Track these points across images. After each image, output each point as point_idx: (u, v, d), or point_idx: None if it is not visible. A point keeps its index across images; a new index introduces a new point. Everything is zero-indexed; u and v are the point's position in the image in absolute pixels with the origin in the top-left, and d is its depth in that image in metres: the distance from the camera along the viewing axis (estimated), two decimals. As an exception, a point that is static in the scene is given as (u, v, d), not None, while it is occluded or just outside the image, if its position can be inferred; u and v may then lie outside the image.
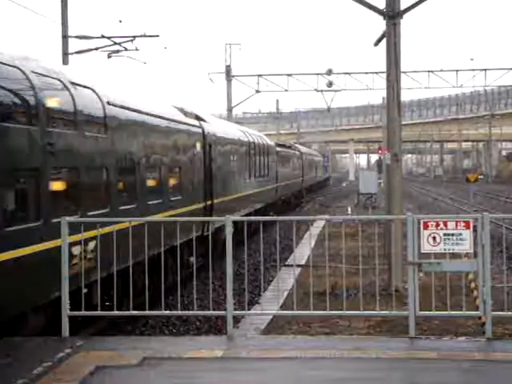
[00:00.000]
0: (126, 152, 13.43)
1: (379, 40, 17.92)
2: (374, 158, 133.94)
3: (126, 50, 26.46)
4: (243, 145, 27.68)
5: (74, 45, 25.53)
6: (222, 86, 71.80)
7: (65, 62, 23.88)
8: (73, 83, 11.58)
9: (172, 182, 16.67)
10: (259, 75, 48.64)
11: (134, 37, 26.38)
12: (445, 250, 9.39)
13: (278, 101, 77.82)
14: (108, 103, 12.72)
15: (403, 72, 32.15)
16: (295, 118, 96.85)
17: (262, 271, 12.02)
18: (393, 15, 15.61)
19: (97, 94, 12.47)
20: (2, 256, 8.95)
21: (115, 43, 26.29)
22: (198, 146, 19.38)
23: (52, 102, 10.62)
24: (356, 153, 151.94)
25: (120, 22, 27.91)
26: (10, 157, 9.33)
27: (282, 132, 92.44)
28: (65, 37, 24.06)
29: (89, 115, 11.97)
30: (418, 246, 9.35)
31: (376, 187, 45.67)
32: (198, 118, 20.41)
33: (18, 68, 9.92)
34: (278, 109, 78.11)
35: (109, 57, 26.59)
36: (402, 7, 15.73)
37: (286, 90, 49.63)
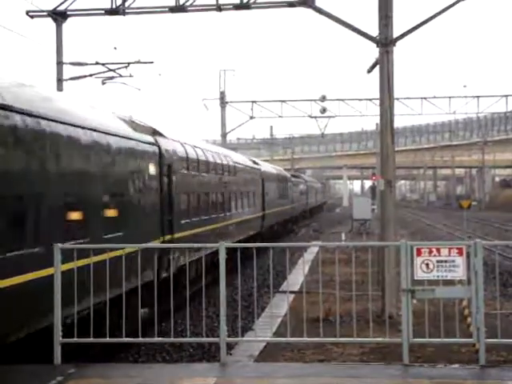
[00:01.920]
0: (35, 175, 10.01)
1: (372, 67, 18.05)
2: (368, 183, 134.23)
3: (120, 76, 26.56)
4: (231, 169, 25.70)
5: (68, 71, 25.63)
6: (216, 112, 72.04)
7: (59, 88, 23.94)
8: None
9: (109, 214, 12.94)
10: (253, 101, 48.99)
11: (129, 63, 26.49)
12: (438, 276, 9.39)
13: (271, 127, 78.56)
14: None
15: (396, 99, 32.32)
16: (289, 143, 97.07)
17: (256, 297, 11.97)
18: (386, 43, 15.73)
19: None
20: None
21: (110, 69, 26.38)
22: (152, 168, 15.76)
23: None
24: (350, 179, 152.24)
25: (115, 48, 28.14)
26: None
27: (275, 158, 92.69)
28: (59, 63, 24.12)
29: None
30: (412, 272, 9.35)
31: (370, 213, 45.70)
32: (154, 132, 17.05)
33: None
34: (271, 135, 78.42)
35: (103, 83, 26.68)
36: (395, 35, 15.87)
37: (280, 116, 49.97)
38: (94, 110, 14.03)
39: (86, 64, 25.88)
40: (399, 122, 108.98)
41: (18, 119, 9.53)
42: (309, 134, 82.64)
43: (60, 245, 9.64)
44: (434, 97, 51.26)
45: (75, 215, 11.32)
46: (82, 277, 10.03)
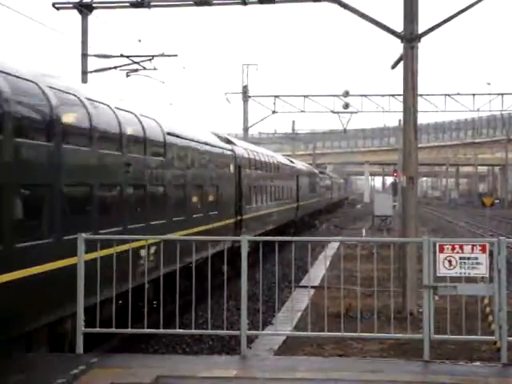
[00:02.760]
0: (181, 172, 16.62)
1: (396, 63, 17.98)
2: (390, 180, 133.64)
3: (144, 69, 26.62)
4: (279, 167, 34.31)
5: (93, 63, 25.76)
6: (238, 105, 71.93)
7: (84, 80, 24.06)
8: (142, 115, 14.47)
9: (211, 198, 19.55)
10: (276, 96, 48.77)
11: (153, 56, 26.54)
12: (460, 273, 9.36)
13: (294, 121, 77.70)
14: (168, 133, 15.69)
15: (420, 95, 32.15)
16: (311, 139, 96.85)
17: (277, 292, 11.99)
18: (410, 38, 15.67)
19: (159, 125, 15.36)
20: None
21: (134, 62, 26.45)
22: (231, 167, 22.87)
23: (131, 131, 13.35)
24: (371, 175, 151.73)
25: (139, 41, 28.13)
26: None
27: (297, 153, 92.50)
28: (84, 55, 24.25)
29: (153, 142, 14.75)
30: (434, 269, 9.32)
31: (391, 210, 45.58)
32: (228, 141, 23.81)
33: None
34: (293, 129, 78.13)
35: (127, 76, 26.76)
36: (420, 31, 15.80)
37: (303, 111, 49.69)
38: (200, 128, 21.48)
39: (111, 56, 25.96)
40: (422, 119, 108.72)
41: (177, 140, 16.42)
42: (331, 129, 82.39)
43: (84, 235, 9.71)
44: (458, 94, 50.86)
45: (200, 196, 18.12)
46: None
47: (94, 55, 25.25)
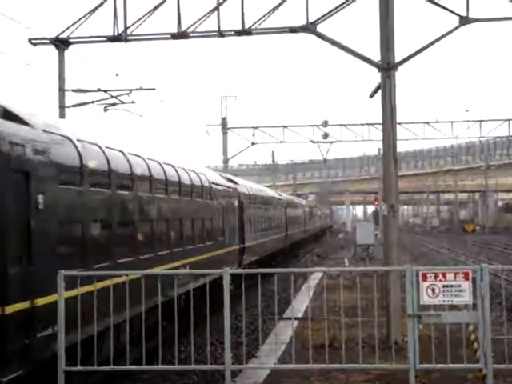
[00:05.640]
0: (220, 208, 23.88)
1: (375, 92, 18.11)
2: (371, 208, 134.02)
3: (122, 102, 26.63)
4: (273, 202, 41.43)
5: (70, 98, 25.74)
6: (218, 138, 72.30)
7: (61, 115, 24.04)
8: (190, 170, 20.01)
9: (221, 228, 24.06)
10: (255, 127, 49.12)
11: (131, 90, 26.56)
12: (444, 301, 9.37)
13: (273, 152, 78.18)
14: (212, 183, 22.70)
15: (399, 123, 32.38)
16: (291, 169, 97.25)
17: (260, 324, 11.92)
18: (387, 68, 15.81)
19: (206, 177, 22.03)
20: None
21: (112, 96, 26.46)
22: (236, 203, 27.77)
23: (155, 174, 16.16)
24: (352, 204, 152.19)
25: (117, 75, 28.02)
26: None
27: (277, 183, 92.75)
28: (62, 90, 24.24)
29: (201, 188, 20.90)
30: (417, 297, 9.32)
31: (373, 238, 45.64)
32: (230, 180, 28.76)
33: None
34: (273, 160, 78.48)
35: (105, 110, 26.76)
36: (397, 59, 15.95)
37: (282, 142, 50.03)
38: (213, 171, 27.79)
39: (88, 91, 25.97)
40: (402, 147, 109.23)
41: (216, 187, 23.41)
42: (311, 159, 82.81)
43: (64, 271, 9.62)
44: (437, 121, 51.37)
45: (214, 227, 22.53)
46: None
47: (72, 90, 25.26)
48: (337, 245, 68.34)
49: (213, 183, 23.15)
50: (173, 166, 17.87)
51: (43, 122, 11.05)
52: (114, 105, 26.74)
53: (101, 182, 12.60)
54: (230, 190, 26.94)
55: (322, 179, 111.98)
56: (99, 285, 10.50)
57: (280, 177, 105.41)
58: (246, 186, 32.67)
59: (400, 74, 16.13)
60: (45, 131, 10.69)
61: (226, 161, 47.77)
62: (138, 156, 15.23)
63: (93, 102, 26.33)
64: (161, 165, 16.75)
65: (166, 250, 16.01)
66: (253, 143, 48.88)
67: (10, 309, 8.92)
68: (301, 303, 21.13)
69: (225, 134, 47.33)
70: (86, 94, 25.96)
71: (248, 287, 13.65)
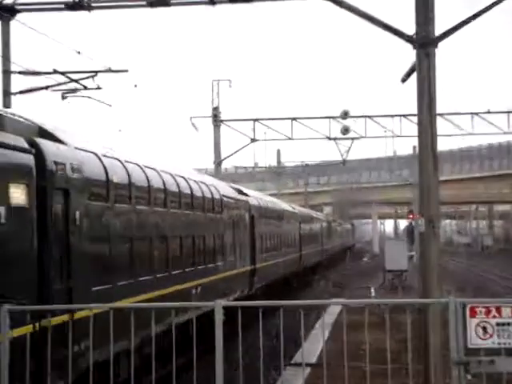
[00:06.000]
0: (231, 223, 27.80)
1: (408, 75, 18.11)
2: (403, 223, 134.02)
3: (85, 88, 26.60)
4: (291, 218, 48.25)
5: (17, 82, 25.75)
6: (208, 133, 72.08)
7: (6, 103, 24.05)
8: (201, 182, 24.04)
9: (233, 247, 27.81)
10: (255, 119, 48.72)
11: (96, 72, 26.49)
12: (499, 344, 9.34)
13: (279, 151, 78.10)
14: (223, 195, 26.60)
15: (439, 114, 32.43)
16: (302, 173, 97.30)
17: (262, 371, 11.90)
18: (425, 43, 15.80)
19: (217, 189, 25.92)
20: None
21: (72, 80, 26.43)
22: (247, 216, 31.32)
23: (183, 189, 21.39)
24: (380, 218, 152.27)
25: (78, 53, 27.83)
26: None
27: (284, 191, 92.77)
28: (6, 72, 24.25)
29: (212, 202, 24.84)
30: (464, 339, 9.29)
31: (406, 262, 45.62)
32: (240, 191, 32.10)
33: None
34: (279, 162, 78.45)
35: (63, 97, 26.74)
36: (437, 33, 15.94)
37: (290, 139, 49.78)
38: (222, 182, 30.80)
39: (41, 73, 25.95)
40: (443, 144, 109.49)
41: (226, 199, 27.88)
42: (327, 160, 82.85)
43: (7, 306, 9.62)
44: (489, 111, 51.28)
45: (225, 246, 26.49)
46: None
47: (19, 72, 25.26)
48: (360, 270, 68.36)
49: (224, 196, 26.76)
50: (184, 178, 21.59)
51: (74, 138, 14.30)
52: (74, 91, 26.73)
53: (123, 197, 16.13)
54: (241, 203, 30.50)
55: (340, 186, 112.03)
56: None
57: (287, 183, 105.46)
58: (257, 197, 36.35)
59: (441, 53, 16.08)
60: (77, 148, 13.90)
61: (218, 162, 47.41)
62: (153, 169, 18.83)
63: (47, 87, 26.34)
64: (173, 177, 20.35)
65: (179, 270, 19.75)
66: (253, 140, 48.63)
67: (54, 321, 11.61)
68: (314, 345, 21.13)
69: (217, 127, 47.01)
70: (39, 76, 25.97)
71: (248, 322, 13.64)
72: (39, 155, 12.21)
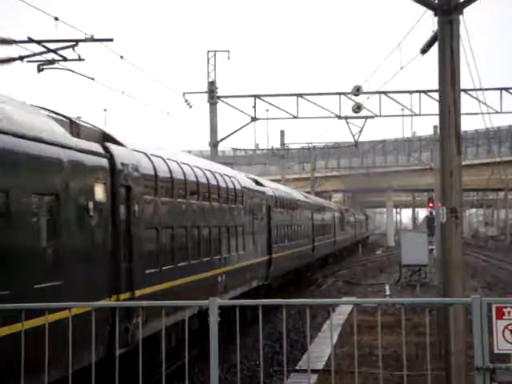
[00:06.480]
0: (251, 214, 32.27)
1: (429, 45, 18.08)
2: (423, 213, 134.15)
3: (64, 59, 26.53)
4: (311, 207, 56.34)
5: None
6: (203, 111, 71.85)
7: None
8: (225, 174, 28.09)
9: (252, 237, 32.29)
10: (256, 96, 48.53)
11: (77, 41, 26.39)
12: (528, 348, 9.34)
13: (283, 132, 77.94)
14: (244, 187, 30.62)
15: (463, 90, 32.42)
16: (308, 156, 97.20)
17: (262, 378, 11.91)
18: (448, 9, 15.76)
19: (238, 181, 30.02)
20: None
21: (49, 50, 26.35)
22: (264, 207, 35.93)
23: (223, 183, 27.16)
24: (396, 206, 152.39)
25: (56, 19, 27.67)
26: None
27: (288, 177, 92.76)
28: (-25, 40, 24.18)
29: (234, 193, 28.96)
30: (490, 342, 9.29)
31: (426, 256, 45.64)
32: (257, 182, 36.50)
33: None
34: (283, 143, 78.38)
35: (40, 69, 26.69)
36: (462, -2, 15.90)
37: (295, 117, 49.64)
38: (241, 173, 35.40)
39: (15, 42, 25.88)
40: (468, 124, 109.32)
41: (248, 191, 32.91)
42: (336, 141, 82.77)
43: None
44: (519, 87, 51.20)
45: (246, 234, 30.99)
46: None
47: (-11, 40, 25.17)
48: (374, 265, 68.44)
49: (244, 187, 31.12)
50: (211, 172, 25.75)
51: (129, 140, 18.42)
52: (52, 62, 26.67)
53: (168, 190, 20.27)
54: (259, 193, 35.02)
55: (352, 171, 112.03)
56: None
57: (292, 167, 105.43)
58: (273, 188, 41.24)
59: (466, 21, 15.99)
60: (133, 150, 18.08)
61: (214, 143, 47.29)
62: (187, 164, 22.88)
63: (22, 57, 26.29)
64: (203, 171, 24.45)
65: (208, 257, 23.87)
66: (253, 118, 48.51)
67: (122, 296, 16.13)
68: (321, 348, 21.16)
69: (213, 105, 46.88)
70: (12, 46, 25.91)
71: (247, 323, 13.66)
72: (111, 158, 16.30)
